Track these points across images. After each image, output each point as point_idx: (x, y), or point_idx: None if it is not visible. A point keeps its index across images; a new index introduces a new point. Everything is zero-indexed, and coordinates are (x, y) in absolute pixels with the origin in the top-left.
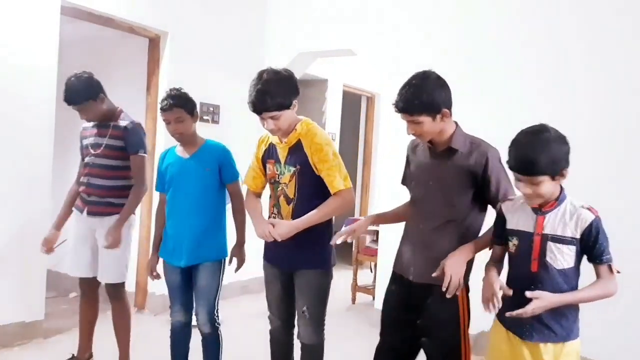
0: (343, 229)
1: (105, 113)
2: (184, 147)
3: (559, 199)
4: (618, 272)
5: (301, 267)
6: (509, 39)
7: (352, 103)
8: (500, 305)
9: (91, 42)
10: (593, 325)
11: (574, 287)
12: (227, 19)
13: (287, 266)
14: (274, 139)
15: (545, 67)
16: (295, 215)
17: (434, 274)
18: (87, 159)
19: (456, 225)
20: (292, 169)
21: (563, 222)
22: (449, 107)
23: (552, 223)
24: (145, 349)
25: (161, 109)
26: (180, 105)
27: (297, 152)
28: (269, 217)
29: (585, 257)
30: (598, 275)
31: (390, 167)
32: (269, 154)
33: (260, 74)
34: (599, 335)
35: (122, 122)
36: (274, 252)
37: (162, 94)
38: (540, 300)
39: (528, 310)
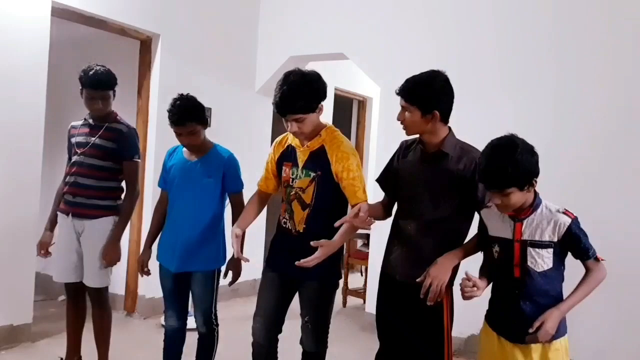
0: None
1: (107, 111)
2: (192, 152)
3: (534, 205)
4: (603, 259)
5: (309, 278)
6: (503, 43)
7: (344, 106)
8: (475, 289)
9: (82, 44)
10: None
11: (557, 287)
12: (219, 22)
13: (293, 275)
14: (294, 142)
15: (539, 73)
16: (309, 221)
17: (418, 279)
18: (74, 158)
19: (443, 228)
20: (312, 174)
21: (540, 227)
22: (444, 112)
23: (530, 229)
24: (134, 352)
25: (172, 122)
26: (193, 118)
27: (318, 157)
28: (280, 221)
29: (568, 255)
30: (587, 268)
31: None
32: (287, 156)
33: (287, 74)
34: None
35: (118, 125)
36: (279, 259)
37: (153, 96)
38: (548, 322)
39: (541, 336)
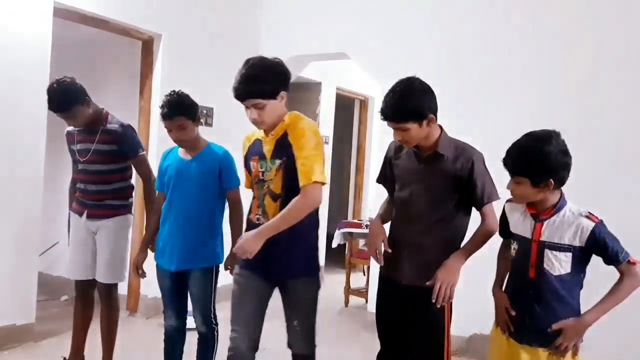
0: (371, 247)
1: (92, 117)
2: (186, 149)
3: (558, 206)
4: (637, 262)
5: (292, 276)
6: (504, 42)
7: (346, 106)
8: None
9: (83, 44)
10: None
11: (573, 293)
12: (221, 22)
13: (274, 276)
14: (260, 134)
15: (542, 70)
16: None
17: (427, 283)
18: (80, 166)
19: (443, 228)
20: (278, 161)
21: (561, 229)
22: (435, 112)
23: (550, 230)
24: (137, 352)
25: (162, 116)
26: (181, 112)
27: (283, 143)
28: (251, 220)
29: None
30: (620, 272)
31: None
32: (253, 150)
33: (248, 59)
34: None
35: (112, 126)
36: (256, 260)
37: (155, 96)
38: (569, 330)
39: (561, 347)
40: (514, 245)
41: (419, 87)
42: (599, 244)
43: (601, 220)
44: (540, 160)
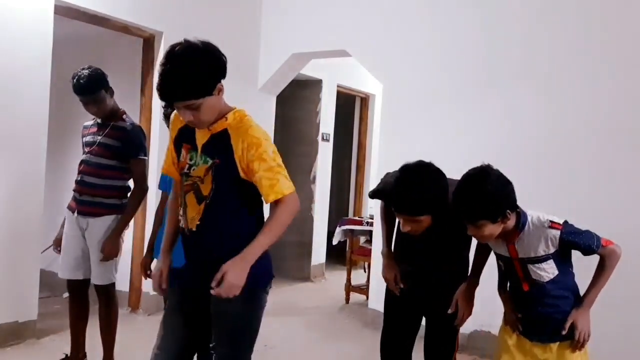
0: (388, 283)
1: (110, 110)
2: None
3: (520, 227)
4: (611, 243)
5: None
6: (507, 41)
7: (346, 104)
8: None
9: (85, 42)
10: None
11: (570, 284)
12: (222, 20)
13: (204, 286)
14: None
15: (546, 68)
16: (205, 219)
17: (449, 311)
18: (82, 157)
19: (451, 256)
20: (210, 160)
21: (532, 244)
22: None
23: (522, 249)
24: (138, 349)
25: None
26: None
27: (219, 142)
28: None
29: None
30: (600, 256)
31: (383, 169)
32: (186, 136)
33: (172, 48)
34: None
35: (123, 124)
36: (187, 269)
37: (156, 94)
38: (579, 321)
39: (580, 339)
40: (500, 263)
41: (436, 181)
42: (571, 246)
43: (565, 223)
44: (490, 201)
